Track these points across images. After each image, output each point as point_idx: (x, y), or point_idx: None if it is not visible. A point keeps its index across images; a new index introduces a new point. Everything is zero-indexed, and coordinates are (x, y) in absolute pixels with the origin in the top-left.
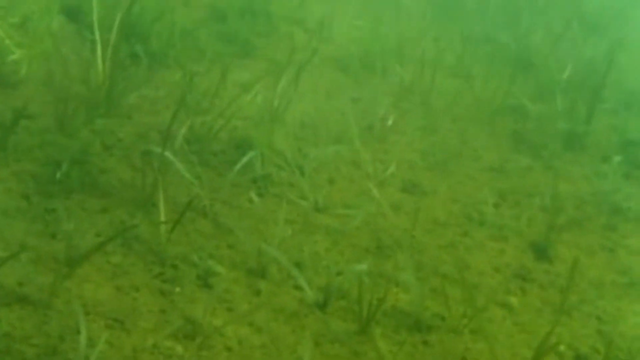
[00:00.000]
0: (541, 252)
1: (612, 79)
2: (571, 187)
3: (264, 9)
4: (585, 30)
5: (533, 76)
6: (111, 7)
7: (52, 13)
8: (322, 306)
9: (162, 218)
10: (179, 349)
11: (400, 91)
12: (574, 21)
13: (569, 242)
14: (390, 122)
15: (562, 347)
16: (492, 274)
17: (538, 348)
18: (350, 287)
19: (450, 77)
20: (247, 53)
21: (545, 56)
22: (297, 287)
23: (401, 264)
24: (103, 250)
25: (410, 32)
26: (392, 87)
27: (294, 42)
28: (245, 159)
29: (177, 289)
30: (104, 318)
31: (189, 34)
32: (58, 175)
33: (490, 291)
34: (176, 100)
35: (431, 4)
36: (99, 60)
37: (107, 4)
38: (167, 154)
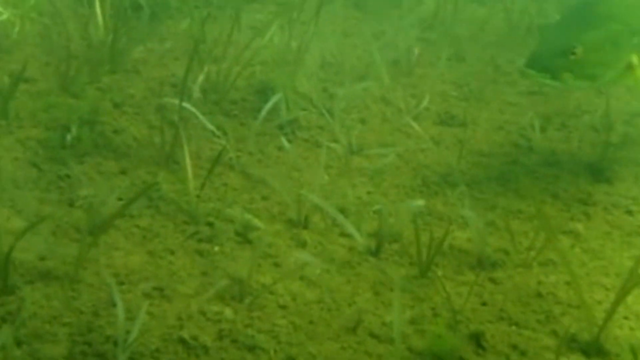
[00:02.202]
0: (598, 173)
1: None
2: (617, 102)
3: None
4: None
5: None
6: None
7: None
8: (375, 252)
9: (190, 174)
10: (228, 312)
11: (423, 22)
12: None
13: (626, 160)
14: (416, 55)
15: None
16: (550, 201)
17: (625, 282)
18: (402, 230)
19: (473, 2)
20: None
21: None
22: (344, 235)
23: (452, 199)
24: (129, 214)
25: None
26: (413, 18)
27: None
28: (269, 105)
29: (216, 248)
30: (140, 287)
31: None
32: (68, 138)
33: (553, 219)
34: (184, 51)
35: None
36: (99, 14)
37: None
38: (186, 104)
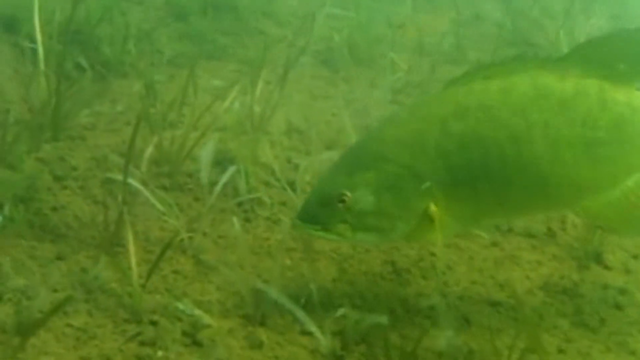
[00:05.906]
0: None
1: None
2: None
3: (229, 3)
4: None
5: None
6: (52, 14)
7: None
8: (340, 356)
9: (133, 262)
10: None
11: (396, 83)
12: None
13: (615, 245)
14: None
15: None
16: (535, 291)
17: None
18: (369, 329)
19: (448, 64)
20: (214, 54)
21: (548, 33)
22: (306, 333)
23: (426, 290)
24: (62, 311)
25: (396, 18)
26: (386, 80)
27: (267, 38)
28: (225, 178)
29: (160, 353)
30: None
31: (146, 37)
32: (0, 218)
33: (536, 313)
34: (137, 115)
35: None
36: (42, 74)
37: (48, 10)
38: (132, 181)
